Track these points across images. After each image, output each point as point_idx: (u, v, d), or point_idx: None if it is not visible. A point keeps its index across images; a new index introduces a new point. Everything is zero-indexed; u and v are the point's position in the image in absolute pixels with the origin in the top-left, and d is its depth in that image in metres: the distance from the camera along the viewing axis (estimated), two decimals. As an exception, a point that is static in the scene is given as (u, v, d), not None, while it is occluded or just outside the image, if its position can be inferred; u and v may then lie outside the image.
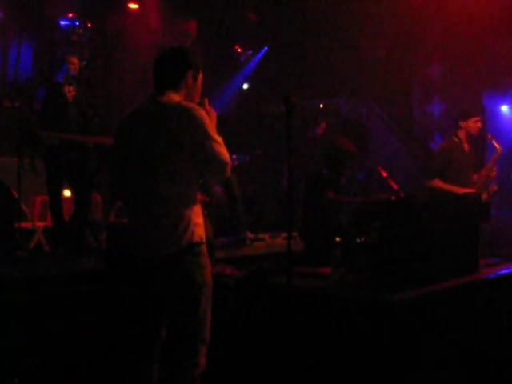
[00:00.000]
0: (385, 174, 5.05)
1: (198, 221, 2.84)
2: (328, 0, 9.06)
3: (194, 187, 2.85)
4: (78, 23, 8.45)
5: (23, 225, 5.82)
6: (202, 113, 2.81)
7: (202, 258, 2.83)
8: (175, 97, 2.87)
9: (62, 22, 8.30)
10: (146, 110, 2.89)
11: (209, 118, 2.83)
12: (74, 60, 5.72)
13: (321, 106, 10.88)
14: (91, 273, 4.71)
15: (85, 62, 6.46)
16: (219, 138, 2.84)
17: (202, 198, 3.05)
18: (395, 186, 4.94)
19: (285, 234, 6.72)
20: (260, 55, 11.04)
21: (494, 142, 5.61)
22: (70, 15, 8.48)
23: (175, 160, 2.75)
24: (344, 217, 4.77)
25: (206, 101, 3.01)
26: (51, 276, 4.61)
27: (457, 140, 5.57)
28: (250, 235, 6.57)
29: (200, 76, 3.00)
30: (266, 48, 10.97)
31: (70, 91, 5.69)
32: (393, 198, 4.06)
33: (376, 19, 9.04)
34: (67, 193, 6.06)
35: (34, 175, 5.59)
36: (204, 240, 2.87)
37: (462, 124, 5.54)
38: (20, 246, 5.40)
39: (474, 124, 5.52)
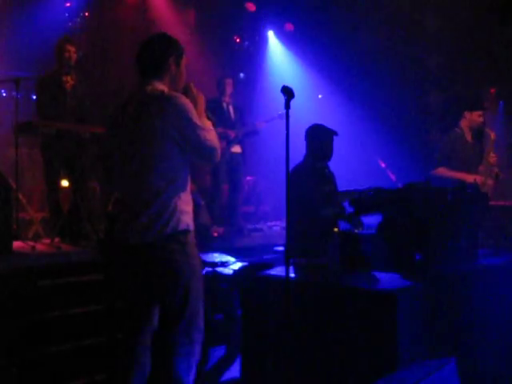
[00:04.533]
0: (383, 165, 5.03)
1: (185, 208, 2.81)
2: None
3: (182, 174, 2.82)
4: (74, 12, 8.41)
5: (21, 215, 5.82)
6: (185, 101, 2.78)
7: (187, 247, 2.79)
8: (159, 85, 2.85)
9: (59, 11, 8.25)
10: (132, 101, 2.88)
11: (192, 105, 2.81)
12: (71, 48, 5.68)
13: (319, 96, 10.86)
14: (89, 263, 4.70)
15: (81, 53, 6.41)
16: (207, 123, 2.84)
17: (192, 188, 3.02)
18: (393, 177, 4.92)
19: (283, 225, 6.73)
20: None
21: (488, 130, 5.60)
22: (68, 4, 8.43)
23: (161, 149, 2.74)
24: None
25: (192, 85, 2.98)
26: (49, 266, 4.60)
27: (459, 131, 5.55)
28: (247, 225, 6.56)
29: (183, 61, 2.97)
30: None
31: (68, 81, 5.67)
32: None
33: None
34: (65, 183, 6.04)
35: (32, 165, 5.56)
36: (191, 228, 2.83)
37: (466, 115, 5.53)
38: (18, 237, 5.39)
39: (477, 118, 5.51)
